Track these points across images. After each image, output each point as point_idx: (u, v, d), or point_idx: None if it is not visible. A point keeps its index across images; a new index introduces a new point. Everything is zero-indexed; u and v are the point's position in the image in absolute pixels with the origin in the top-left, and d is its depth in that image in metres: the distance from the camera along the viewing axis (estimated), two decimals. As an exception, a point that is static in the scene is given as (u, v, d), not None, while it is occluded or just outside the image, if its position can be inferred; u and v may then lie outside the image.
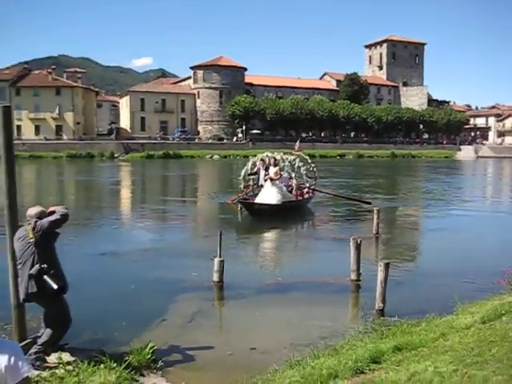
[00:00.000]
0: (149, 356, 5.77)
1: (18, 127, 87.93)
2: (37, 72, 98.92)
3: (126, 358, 5.56)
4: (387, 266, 7.85)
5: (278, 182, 18.35)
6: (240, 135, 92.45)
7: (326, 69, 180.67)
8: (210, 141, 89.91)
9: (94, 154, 74.37)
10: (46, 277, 5.37)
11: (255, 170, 20.19)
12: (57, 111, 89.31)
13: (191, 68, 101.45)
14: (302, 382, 4.84)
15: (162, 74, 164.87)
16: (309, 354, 5.80)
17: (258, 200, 18.18)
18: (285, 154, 20.49)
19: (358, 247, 9.34)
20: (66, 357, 5.63)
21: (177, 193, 31.17)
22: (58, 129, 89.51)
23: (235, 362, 6.08)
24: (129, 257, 12.31)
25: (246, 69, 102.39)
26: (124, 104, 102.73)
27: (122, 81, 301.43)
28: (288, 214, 17.81)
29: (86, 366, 5.37)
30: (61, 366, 5.30)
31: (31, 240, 5.43)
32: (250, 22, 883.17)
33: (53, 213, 5.63)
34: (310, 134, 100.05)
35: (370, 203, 20.01)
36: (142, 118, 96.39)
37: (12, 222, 5.86)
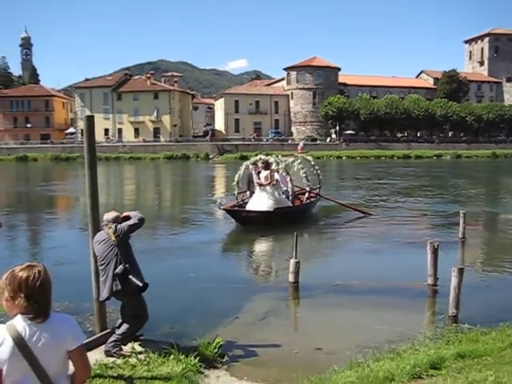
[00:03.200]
0: (215, 350, 6.08)
1: (120, 130, 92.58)
2: (136, 77, 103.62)
3: (194, 352, 5.87)
4: (461, 271, 7.68)
5: (268, 187, 16.53)
6: (333, 136, 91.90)
7: (422, 67, 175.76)
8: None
9: (190, 156, 76.76)
10: (130, 276, 5.82)
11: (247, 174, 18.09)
12: (155, 114, 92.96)
13: (284, 69, 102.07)
14: (357, 383, 4.92)
15: (257, 75, 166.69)
16: (371, 357, 5.86)
17: (248, 207, 16.68)
18: (285, 156, 19.14)
19: (434, 251, 9.17)
20: (139, 347, 6.07)
21: None
22: (156, 131, 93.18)
23: (299, 361, 6.24)
24: (211, 254, 12.81)
25: (339, 69, 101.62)
26: (219, 106, 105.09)
27: (218, 83, 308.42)
28: (283, 221, 15.53)
29: (157, 356, 5.78)
30: (133, 355, 5.74)
31: (113, 242, 5.90)
32: (344, 21, 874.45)
33: (127, 218, 6.13)
34: (406, 134, 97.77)
35: (371, 214, 18.97)
36: (237, 120, 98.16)
37: (94, 223, 6.39)
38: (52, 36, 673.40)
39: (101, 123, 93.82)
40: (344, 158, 78.50)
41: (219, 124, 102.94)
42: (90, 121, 6.35)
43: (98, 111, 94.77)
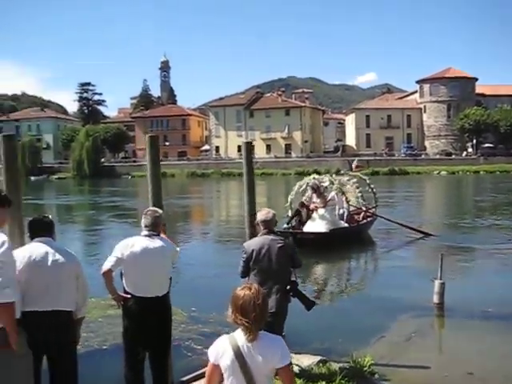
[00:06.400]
0: (366, 368, 6.18)
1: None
2: (268, 95, 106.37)
3: (346, 368, 6.02)
4: None
5: (323, 210, 16.11)
6: (470, 150, 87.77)
7: None
8: (438, 156, 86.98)
9: (321, 171, 76.44)
10: (301, 291, 5.90)
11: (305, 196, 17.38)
12: (286, 131, 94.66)
13: (417, 82, 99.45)
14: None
15: (387, 89, 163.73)
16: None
17: (304, 229, 16.02)
18: (338, 174, 18.19)
19: None
20: (294, 360, 6.29)
21: (409, 215, 28.24)
22: (287, 147, 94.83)
23: (450, 385, 6.17)
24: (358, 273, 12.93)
25: (476, 79, 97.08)
26: (349, 121, 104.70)
27: (348, 98, 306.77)
28: (338, 242, 15.12)
29: (310, 370, 6.02)
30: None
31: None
32: (480, 28, 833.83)
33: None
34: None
35: (432, 235, 17.76)
36: (368, 135, 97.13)
37: (251, 229, 6.88)
38: (187, 58, 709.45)
39: (234, 140, 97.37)
40: (482, 172, 74.56)
41: (350, 139, 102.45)
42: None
43: (231, 129, 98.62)
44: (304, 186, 17.24)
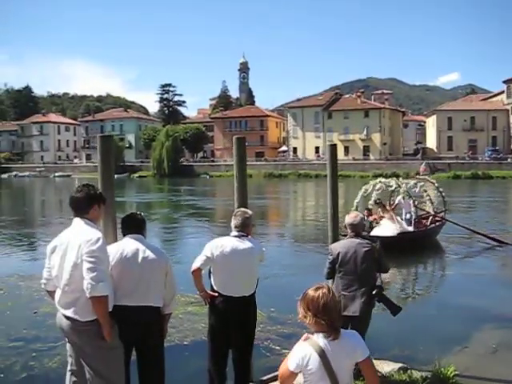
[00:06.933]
0: (449, 379, 5.98)
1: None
2: (347, 96, 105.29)
3: (428, 377, 5.88)
4: None
5: (391, 212, 16.33)
6: None
7: None
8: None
9: (400, 174, 75.17)
10: (386, 296, 5.85)
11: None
12: (365, 132, 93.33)
13: (504, 82, 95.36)
14: None
15: (471, 89, 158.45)
16: None
17: (372, 233, 15.42)
18: (405, 178, 17.40)
19: None
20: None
21: (486, 221, 26.82)
22: (366, 149, 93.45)
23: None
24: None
25: None
26: (430, 123, 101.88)
27: (429, 99, 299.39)
28: (405, 247, 14.58)
29: (391, 376, 5.92)
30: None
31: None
32: None
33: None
34: None
35: (509, 244, 16.57)
36: (449, 137, 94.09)
37: (334, 231, 6.83)
38: (266, 59, 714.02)
39: (312, 141, 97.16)
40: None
41: (431, 141, 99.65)
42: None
43: (309, 130, 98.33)
44: (370, 190, 17.13)
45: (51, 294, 4.16)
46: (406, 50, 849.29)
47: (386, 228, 15.76)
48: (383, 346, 7.33)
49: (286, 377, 2.93)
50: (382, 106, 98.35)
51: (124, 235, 4.55)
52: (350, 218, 5.79)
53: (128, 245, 4.41)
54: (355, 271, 5.56)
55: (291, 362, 2.91)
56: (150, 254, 4.38)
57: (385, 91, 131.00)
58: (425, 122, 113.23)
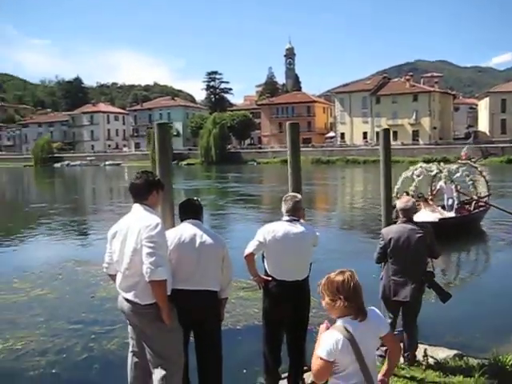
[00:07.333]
0: (508, 367, 5.86)
1: (377, 134, 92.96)
2: (395, 80, 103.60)
3: (485, 365, 5.76)
4: None
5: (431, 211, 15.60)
6: None
7: None
8: None
9: (450, 159, 73.61)
10: (437, 282, 5.77)
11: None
12: (413, 117, 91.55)
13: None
14: None
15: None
16: None
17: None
18: (446, 162, 17.08)
19: None
20: (429, 352, 6.12)
21: None
22: (415, 134, 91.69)
23: None
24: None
25: None
26: (483, 106, 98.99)
27: (481, 81, 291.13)
28: (448, 232, 13.25)
29: (446, 363, 5.85)
30: (425, 358, 5.82)
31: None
32: None
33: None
34: None
35: None
36: (503, 120, 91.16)
37: (387, 217, 6.86)
38: (312, 44, 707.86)
39: (359, 127, 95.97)
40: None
41: (483, 125, 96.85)
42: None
43: (356, 115, 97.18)
44: (410, 175, 16.85)
45: (112, 277, 4.29)
46: (455, 31, 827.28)
47: (427, 213, 15.32)
48: (436, 332, 7.24)
49: (322, 368, 2.85)
50: (432, 89, 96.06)
51: (182, 220, 4.62)
52: (401, 202, 5.72)
53: (186, 230, 4.48)
54: (407, 257, 5.48)
55: (322, 351, 2.84)
56: (207, 238, 4.45)
57: (434, 74, 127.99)
58: (476, 105, 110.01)
